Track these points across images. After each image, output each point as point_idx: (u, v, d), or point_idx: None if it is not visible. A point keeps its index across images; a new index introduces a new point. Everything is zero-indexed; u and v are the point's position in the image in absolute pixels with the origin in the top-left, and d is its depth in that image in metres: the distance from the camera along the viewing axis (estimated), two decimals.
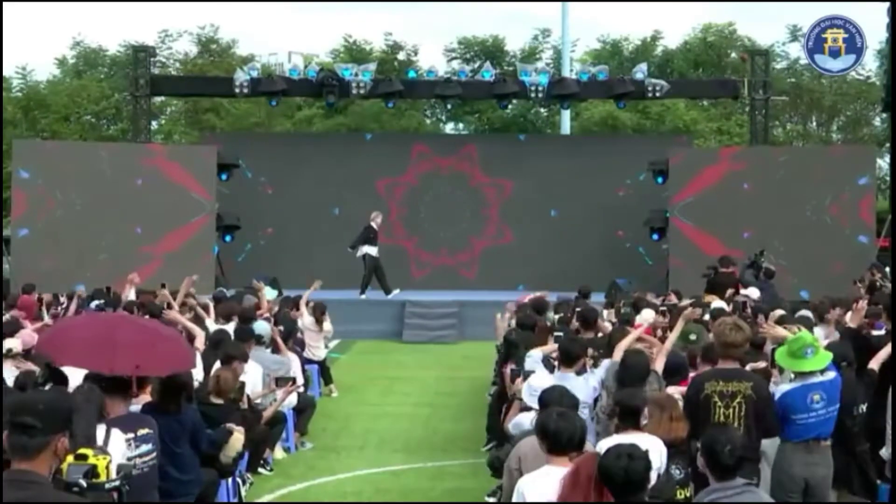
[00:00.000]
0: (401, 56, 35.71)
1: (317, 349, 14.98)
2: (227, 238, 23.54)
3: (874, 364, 8.14)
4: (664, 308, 13.04)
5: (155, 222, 21.67)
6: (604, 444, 5.47)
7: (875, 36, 29.84)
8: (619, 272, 22.26)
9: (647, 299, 13.97)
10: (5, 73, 32.83)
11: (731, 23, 37.79)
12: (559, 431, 5.53)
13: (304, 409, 12.18)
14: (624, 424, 6.33)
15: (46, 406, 4.03)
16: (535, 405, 7.30)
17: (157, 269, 19.66)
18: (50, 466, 4.02)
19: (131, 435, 6.38)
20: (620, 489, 4.53)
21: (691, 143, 27.84)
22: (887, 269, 18.04)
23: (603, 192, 24.84)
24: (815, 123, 39.09)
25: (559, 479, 4.82)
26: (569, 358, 8.13)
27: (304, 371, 12.98)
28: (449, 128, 38.91)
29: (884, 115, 32.59)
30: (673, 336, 8.26)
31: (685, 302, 12.91)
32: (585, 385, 7.87)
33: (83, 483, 4.31)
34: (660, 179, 22.98)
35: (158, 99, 31.97)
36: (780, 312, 10.37)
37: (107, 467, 4.46)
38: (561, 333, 9.95)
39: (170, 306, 12.40)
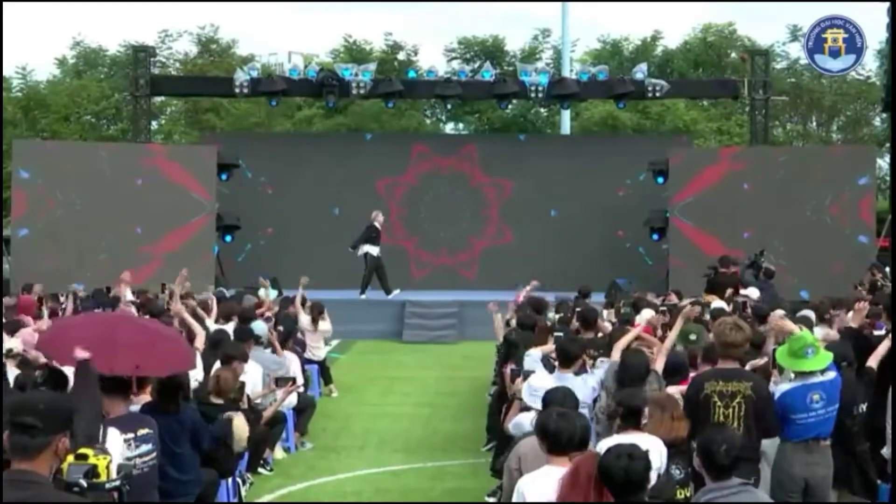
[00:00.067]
0: (401, 56, 35.71)
1: (317, 349, 14.99)
2: (227, 238, 23.55)
3: (872, 362, 8.14)
4: (664, 308, 13.04)
5: (155, 222, 21.68)
6: (604, 444, 5.47)
7: (875, 36, 29.87)
8: (619, 272, 22.26)
9: (647, 299, 13.96)
10: (5, 73, 32.89)
11: (731, 23, 37.84)
12: (559, 431, 5.53)
13: (304, 409, 12.18)
14: (625, 424, 6.33)
15: (47, 406, 4.03)
16: (535, 405, 7.30)
17: (157, 269, 19.66)
18: (51, 466, 4.02)
19: (131, 435, 6.38)
20: (620, 489, 4.53)
21: (691, 143, 27.84)
22: (887, 269, 18.04)
23: (603, 192, 24.84)
24: (815, 123, 39.09)
25: (558, 479, 4.82)
26: (567, 358, 8.14)
27: (304, 371, 12.98)
28: (449, 128, 38.93)
29: (884, 115, 32.59)
30: (672, 335, 8.25)
31: (685, 302, 12.90)
32: (584, 386, 7.87)
33: (83, 483, 4.31)
34: (660, 179, 22.98)
35: (158, 99, 31.97)
36: (780, 312, 10.36)
37: (107, 467, 4.46)
38: (561, 333, 9.96)
39: (172, 297, 12.39)
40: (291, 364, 11.73)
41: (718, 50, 37.36)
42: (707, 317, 11.38)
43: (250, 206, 24.22)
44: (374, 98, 25.95)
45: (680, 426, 6.49)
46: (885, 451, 8.04)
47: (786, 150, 27.15)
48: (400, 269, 23.80)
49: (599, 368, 8.35)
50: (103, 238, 21.22)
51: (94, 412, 5.72)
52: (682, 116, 34.80)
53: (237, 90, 24.09)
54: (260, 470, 10.57)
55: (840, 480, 7.55)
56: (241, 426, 8.19)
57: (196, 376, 9.09)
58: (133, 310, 13.00)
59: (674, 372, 7.98)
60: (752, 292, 15.15)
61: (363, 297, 22.02)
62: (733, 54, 36.03)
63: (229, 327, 11.79)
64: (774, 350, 8.30)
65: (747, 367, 7.54)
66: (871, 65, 34.96)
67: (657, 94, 24.43)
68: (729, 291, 15.46)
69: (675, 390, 7.41)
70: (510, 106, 32.07)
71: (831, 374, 7.22)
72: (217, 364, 9.43)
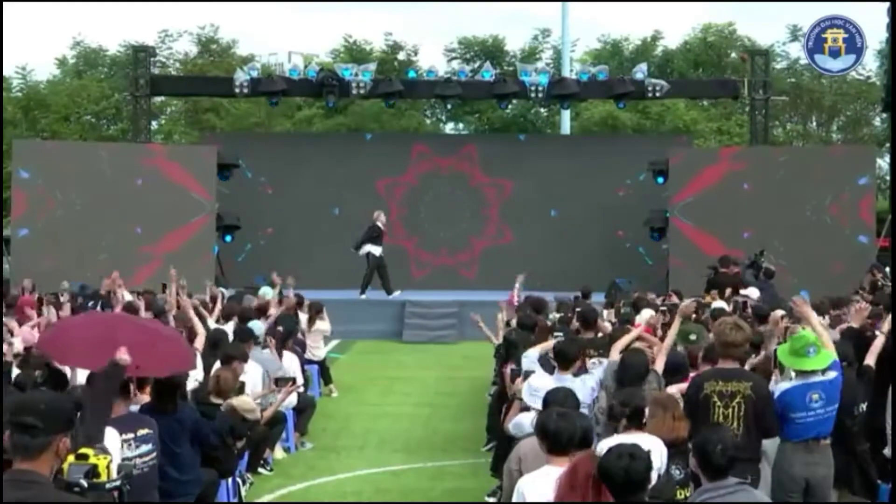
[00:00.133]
0: (401, 56, 35.72)
1: (316, 349, 14.99)
2: (227, 238, 23.55)
3: (870, 359, 8.15)
4: (664, 308, 13.03)
5: (155, 222, 21.68)
6: (605, 445, 5.47)
7: (875, 36, 29.85)
8: (619, 272, 22.25)
9: (647, 299, 13.95)
10: (5, 73, 32.89)
11: (731, 23, 37.86)
12: (559, 431, 5.53)
13: (304, 409, 12.18)
14: (629, 424, 6.34)
15: (48, 406, 4.04)
16: (535, 405, 7.30)
17: (157, 269, 19.64)
18: (51, 466, 4.02)
19: (131, 435, 6.39)
20: (620, 489, 4.52)
21: (691, 143, 27.85)
22: (887, 269, 18.05)
23: (603, 192, 24.84)
24: (815, 123, 39.10)
25: (556, 479, 4.81)
26: (565, 360, 8.14)
27: (304, 371, 12.97)
28: (449, 128, 38.94)
29: (884, 115, 32.60)
30: (672, 333, 8.25)
31: (686, 301, 12.89)
32: (583, 386, 7.86)
33: (84, 483, 4.31)
34: (660, 179, 22.98)
35: (158, 99, 31.99)
36: (780, 312, 10.36)
37: (107, 467, 4.47)
38: (561, 333, 9.95)
39: (178, 294, 12.42)
40: (283, 365, 11.71)
41: (718, 50, 37.36)
42: (706, 316, 11.37)
43: (250, 206, 24.22)
44: (374, 98, 25.96)
45: (681, 426, 6.49)
46: (886, 451, 8.04)
47: (786, 150, 27.16)
48: (400, 269, 23.79)
49: (598, 368, 8.34)
50: (103, 238, 21.23)
51: (103, 414, 5.74)
52: (682, 116, 34.80)
53: (237, 90, 24.09)
54: (260, 470, 10.57)
55: (840, 480, 7.55)
56: (244, 400, 8.28)
57: (196, 376, 9.09)
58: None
59: (674, 372, 7.98)
60: (752, 292, 15.16)
61: (363, 297, 22.01)
62: (733, 54, 36.04)
63: (229, 327, 11.79)
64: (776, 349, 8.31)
65: (747, 366, 7.54)
66: (871, 65, 35.03)
67: (657, 94, 24.43)
68: (729, 291, 15.47)
69: (675, 390, 7.42)
70: (510, 106, 32.07)
71: (832, 374, 7.22)
72: (217, 364, 9.43)
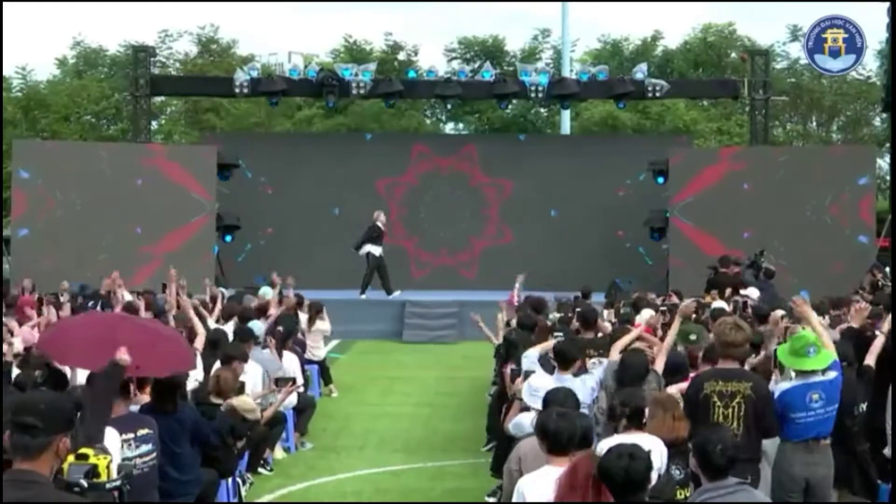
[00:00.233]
0: (401, 56, 35.73)
1: (316, 349, 14.99)
2: (227, 238, 23.55)
3: (869, 359, 8.15)
4: (664, 308, 13.03)
5: (155, 222, 21.69)
6: (605, 445, 5.47)
7: (875, 36, 29.86)
8: (619, 272, 22.25)
9: (647, 299, 13.95)
10: (5, 73, 32.90)
11: (731, 23, 37.88)
12: (559, 431, 5.53)
13: (304, 409, 12.18)
14: (629, 424, 6.34)
15: (48, 406, 4.04)
16: (535, 405, 7.30)
17: (157, 269, 19.65)
18: (51, 466, 4.02)
19: (131, 435, 6.39)
20: (621, 489, 4.52)
21: (691, 143, 27.85)
22: (887, 269, 18.05)
23: (603, 192, 24.84)
24: (815, 123, 39.11)
25: (556, 479, 4.81)
26: (564, 360, 8.14)
27: (304, 371, 12.97)
28: (449, 128, 38.94)
29: (884, 115, 32.60)
30: (672, 333, 8.25)
31: (686, 301, 12.89)
32: (583, 386, 7.86)
33: (84, 483, 4.31)
34: (660, 179, 22.98)
35: (158, 99, 31.99)
36: (780, 312, 10.36)
37: (107, 467, 4.47)
38: (561, 333, 9.95)
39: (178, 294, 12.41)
40: (291, 364, 11.72)
41: (718, 50, 37.37)
42: (706, 316, 11.37)
43: (250, 206, 24.22)
44: (374, 98, 25.96)
45: (681, 426, 6.49)
46: (886, 451, 8.04)
47: (786, 150, 27.16)
48: (400, 269, 23.79)
49: (598, 368, 8.34)
50: (103, 238, 21.23)
51: (103, 414, 5.74)
52: (682, 116, 34.81)
53: (237, 90, 24.09)
54: (260, 470, 10.57)
55: (840, 480, 7.55)
56: (244, 400, 8.29)
57: (196, 376, 9.09)
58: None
59: (674, 372, 7.98)
60: (752, 292, 15.16)
61: (363, 297, 22.01)
62: (733, 54, 36.05)
63: (229, 327, 11.79)
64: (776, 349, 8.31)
65: (746, 366, 7.54)
66: (871, 65, 35.03)
67: (657, 94, 24.43)
68: (729, 291, 15.47)
69: (675, 390, 7.42)
70: (510, 106, 32.06)
71: (832, 374, 7.22)
72: (217, 364, 9.43)
